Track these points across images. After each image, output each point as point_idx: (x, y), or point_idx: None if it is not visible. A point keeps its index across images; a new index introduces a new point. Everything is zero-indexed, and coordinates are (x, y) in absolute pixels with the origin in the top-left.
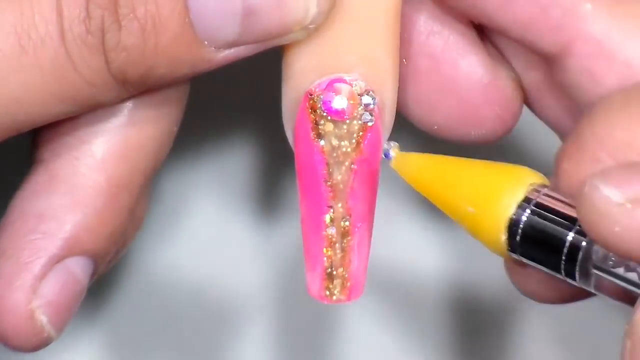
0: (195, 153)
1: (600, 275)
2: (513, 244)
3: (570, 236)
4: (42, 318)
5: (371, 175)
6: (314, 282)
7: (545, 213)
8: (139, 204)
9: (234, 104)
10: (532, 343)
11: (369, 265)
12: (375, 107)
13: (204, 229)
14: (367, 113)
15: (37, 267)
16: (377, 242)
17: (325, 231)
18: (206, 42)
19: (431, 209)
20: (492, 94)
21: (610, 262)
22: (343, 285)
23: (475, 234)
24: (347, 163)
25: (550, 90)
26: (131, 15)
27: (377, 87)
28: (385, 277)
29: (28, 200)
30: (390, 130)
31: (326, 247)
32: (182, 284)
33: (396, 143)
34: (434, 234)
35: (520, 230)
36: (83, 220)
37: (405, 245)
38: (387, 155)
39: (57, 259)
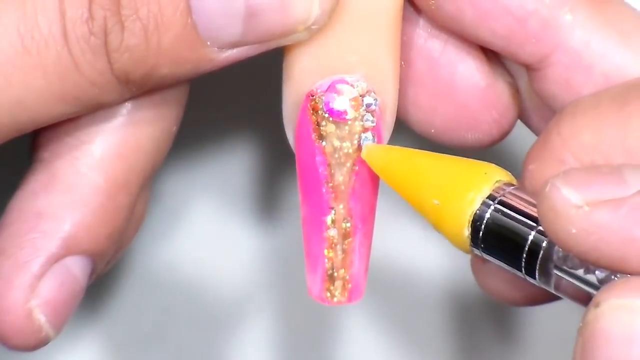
0: (195, 153)
1: (560, 276)
2: (476, 240)
3: (532, 235)
4: (40, 317)
5: (372, 176)
6: (315, 284)
7: (509, 211)
8: (138, 204)
9: (234, 105)
10: (534, 344)
11: (369, 266)
12: (377, 108)
13: (203, 229)
14: (369, 114)
15: (35, 266)
16: (377, 242)
17: (327, 232)
18: (209, 43)
19: None
20: (489, 98)
21: (570, 263)
22: (344, 287)
23: (439, 228)
24: (348, 164)
25: (534, 100)
26: (134, 15)
27: (379, 88)
28: (385, 278)
29: (28, 200)
30: (391, 130)
31: (327, 249)
32: (182, 284)
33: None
34: (434, 235)
35: (483, 226)
36: (82, 219)
37: (405, 246)
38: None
39: (56, 258)
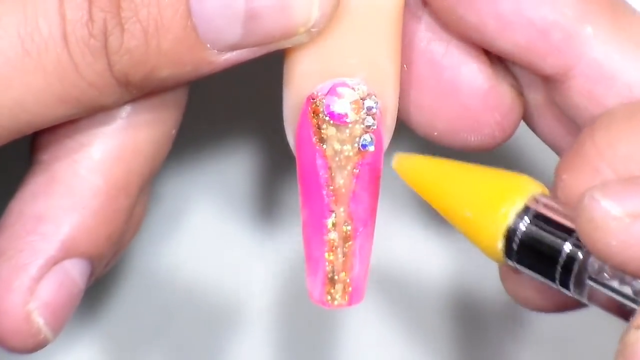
0: (195, 156)
1: (595, 287)
2: (510, 252)
3: (567, 247)
4: (39, 320)
5: (373, 179)
6: (315, 287)
7: (543, 222)
8: (137, 206)
9: (234, 106)
10: (535, 345)
11: (369, 269)
12: (378, 111)
13: (203, 231)
14: (370, 117)
15: (34, 268)
16: (377, 245)
17: (327, 236)
18: (209, 45)
19: (432, 212)
20: (492, 100)
21: (605, 275)
22: (344, 290)
23: (473, 240)
24: (349, 167)
25: (550, 110)
26: (134, 18)
27: (379, 91)
28: (386, 280)
29: (27, 202)
30: (391, 133)
31: (328, 252)
32: (181, 286)
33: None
34: (435, 236)
35: (517, 239)
36: (81, 222)
37: (406, 248)
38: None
39: (55, 261)
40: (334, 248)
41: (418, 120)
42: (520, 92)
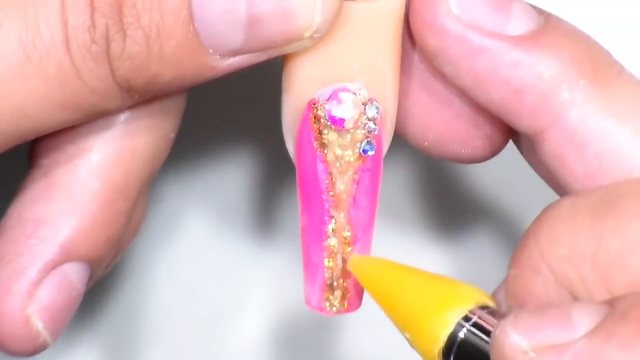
0: (194, 159)
1: None
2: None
3: None
4: (38, 323)
5: (373, 184)
6: (314, 294)
7: (477, 339)
8: (136, 209)
9: (233, 110)
10: None
11: None
12: (379, 116)
13: (202, 234)
14: (372, 122)
15: (33, 272)
16: (377, 247)
17: (327, 241)
18: (211, 50)
19: (431, 217)
20: (484, 113)
21: None
22: (343, 297)
23: (414, 347)
24: (349, 173)
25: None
26: (136, 24)
27: (380, 95)
28: None
29: (26, 206)
30: (391, 138)
31: (327, 258)
32: (180, 289)
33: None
34: (434, 242)
35: (455, 348)
36: (80, 225)
37: (404, 254)
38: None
39: (54, 265)
40: (333, 254)
41: (409, 130)
42: None
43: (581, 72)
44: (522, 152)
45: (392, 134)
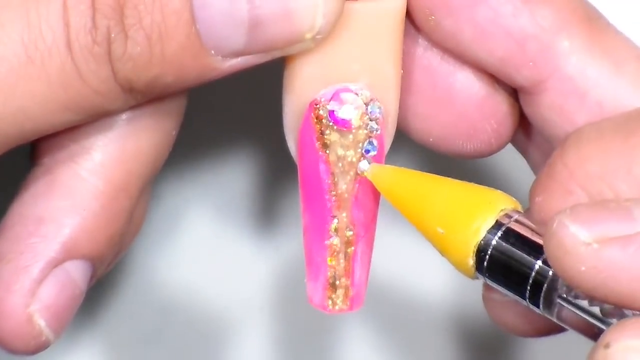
0: (195, 158)
1: (564, 306)
2: (480, 268)
3: (537, 265)
4: (40, 322)
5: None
6: (316, 292)
7: (515, 239)
8: (137, 208)
9: (234, 109)
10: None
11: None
12: (381, 116)
13: (203, 233)
14: (374, 122)
15: (35, 270)
16: (377, 248)
17: (329, 241)
18: (213, 51)
19: None
20: (488, 107)
21: (575, 294)
22: (346, 295)
23: (444, 254)
24: (352, 173)
25: (523, 125)
26: (137, 25)
27: (381, 96)
28: (385, 284)
29: (28, 204)
30: (392, 138)
31: (329, 257)
32: (181, 288)
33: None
34: None
35: (487, 256)
36: (82, 224)
37: (404, 253)
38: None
39: (56, 263)
40: (335, 253)
41: (414, 126)
42: (516, 100)
43: (578, 21)
44: (521, 147)
45: (393, 133)
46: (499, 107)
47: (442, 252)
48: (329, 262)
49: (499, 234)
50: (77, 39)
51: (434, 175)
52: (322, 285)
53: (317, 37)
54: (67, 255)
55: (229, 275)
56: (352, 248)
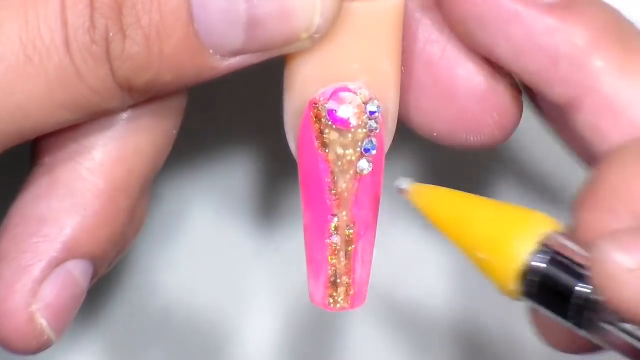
0: (195, 157)
1: (608, 329)
2: (525, 291)
3: (580, 288)
4: (42, 321)
5: (375, 182)
6: (317, 290)
7: (557, 262)
8: (138, 207)
9: (235, 107)
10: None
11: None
12: (380, 114)
13: (203, 232)
14: (373, 121)
15: (37, 270)
16: (378, 248)
17: (329, 239)
18: (211, 50)
19: None
20: (490, 100)
21: (619, 317)
22: (347, 293)
23: (487, 278)
24: (351, 171)
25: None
26: (135, 24)
27: (381, 94)
28: (386, 282)
29: (29, 204)
30: (392, 137)
31: (330, 256)
32: (182, 287)
33: (409, 178)
34: (435, 238)
35: (531, 279)
36: (83, 223)
37: (406, 251)
38: (400, 189)
39: (57, 262)
40: (336, 252)
41: (417, 121)
42: (518, 91)
43: (612, 41)
44: (550, 125)
45: (393, 132)
46: (501, 100)
47: (486, 276)
48: (329, 261)
49: (543, 257)
50: (75, 38)
51: (473, 195)
52: (323, 284)
53: (315, 36)
54: (69, 254)
55: (229, 274)
56: (353, 246)
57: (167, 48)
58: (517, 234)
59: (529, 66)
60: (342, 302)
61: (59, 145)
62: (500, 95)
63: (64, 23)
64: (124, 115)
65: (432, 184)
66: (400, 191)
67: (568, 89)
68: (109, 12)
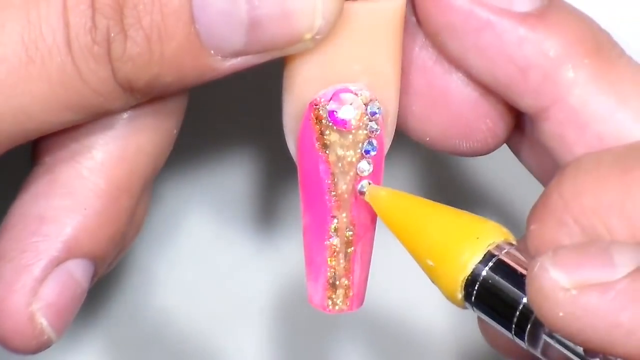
0: (195, 157)
1: (550, 343)
2: (469, 299)
3: (523, 299)
4: (42, 321)
5: (375, 184)
6: (316, 292)
7: (502, 273)
8: (139, 207)
9: (235, 107)
10: None
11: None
12: (380, 116)
13: (203, 233)
14: (373, 122)
15: (37, 269)
16: (378, 246)
17: (329, 241)
18: (212, 52)
19: None
20: (482, 107)
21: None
22: (346, 295)
23: (435, 284)
24: (351, 173)
25: (530, 144)
26: (137, 25)
27: (381, 96)
28: (385, 283)
29: (29, 203)
30: (391, 138)
31: (329, 257)
32: (182, 287)
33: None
34: None
35: (475, 290)
36: (83, 222)
37: (404, 252)
38: (359, 192)
39: (58, 262)
40: (335, 253)
41: (410, 126)
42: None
43: (586, 52)
44: (515, 148)
45: (393, 133)
46: (494, 107)
47: (434, 282)
48: (329, 262)
49: (487, 267)
50: (77, 38)
51: (429, 201)
52: (322, 286)
53: (316, 37)
54: (69, 254)
55: (229, 275)
56: (352, 248)
57: (169, 49)
58: (466, 242)
59: (498, 76)
60: (341, 304)
61: (59, 144)
62: (493, 102)
63: (66, 24)
64: (125, 115)
65: (433, 185)
66: (360, 193)
67: (537, 99)
68: (110, 13)
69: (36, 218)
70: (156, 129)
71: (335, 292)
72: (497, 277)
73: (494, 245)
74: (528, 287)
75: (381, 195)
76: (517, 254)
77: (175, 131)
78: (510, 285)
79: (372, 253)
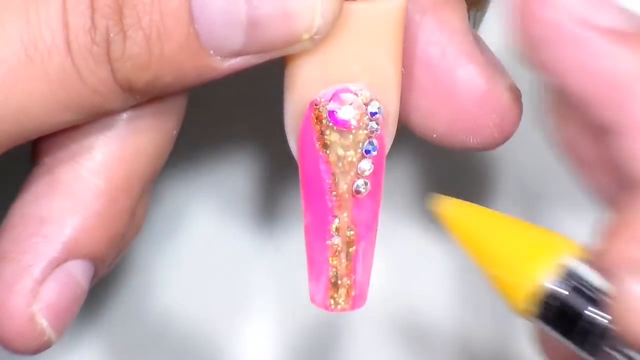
0: (196, 157)
1: (614, 355)
2: (536, 313)
3: (592, 315)
4: (42, 321)
5: (375, 183)
6: (318, 292)
7: (572, 287)
8: (139, 207)
9: (236, 107)
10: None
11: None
12: (381, 116)
13: (203, 232)
14: (374, 122)
15: (37, 270)
16: (380, 245)
17: (330, 241)
18: (212, 52)
19: (433, 216)
20: (489, 102)
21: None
22: (347, 295)
23: (502, 297)
24: (352, 173)
25: (600, 161)
26: (136, 25)
27: (382, 96)
28: (386, 283)
29: (29, 204)
30: (392, 138)
31: (331, 257)
32: (182, 287)
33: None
34: (436, 239)
35: (544, 301)
36: (83, 223)
37: (408, 250)
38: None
39: (58, 263)
40: (337, 253)
41: (417, 122)
42: (518, 93)
43: None
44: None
45: (394, 133)
46: (500, 102)
47: (501, 296)
48: (330, 262)
49: (557, 282)
50: (76, 39)
51: (497, 212)
52: (324, 285)
53: (316, 37)
54: (69, 255)
55: (229, 275)
56: (354, 248)
57: (168, 49)
58: (537, 255)
59: (585, 88)
60: (342, 303)
61: (59, 145)
62: (500, 97)
63: (65, 24)
64: (125, 115)
65: (434, 185)
66: (357, 193)
67: (619, 115)
68: (109, 13)
69: (36, 219)
70: (156, 129)
71: (337, 292)
72: (566, 291)
73: (565, 259)
74: (611, 301)
75: (449, 207)
76: (588, 269)
77: (175, 131)
78: (579, 299)
79: (374, 252)
